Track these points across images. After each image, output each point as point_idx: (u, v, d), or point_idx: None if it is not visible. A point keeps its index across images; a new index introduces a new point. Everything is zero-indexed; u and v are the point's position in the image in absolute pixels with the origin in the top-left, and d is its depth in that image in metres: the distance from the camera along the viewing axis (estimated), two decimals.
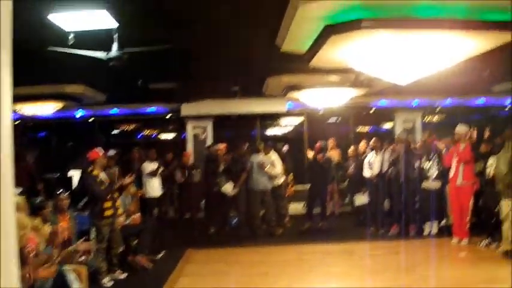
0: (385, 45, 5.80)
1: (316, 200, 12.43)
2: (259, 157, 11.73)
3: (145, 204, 11.30)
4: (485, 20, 5.60)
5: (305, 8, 5.31)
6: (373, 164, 11.87)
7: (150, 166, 11.93)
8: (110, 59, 6.70)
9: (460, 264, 9.13)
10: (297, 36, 6.40)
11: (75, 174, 12.66)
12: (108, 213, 8.20)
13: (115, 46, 6.65)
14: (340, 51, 6.22)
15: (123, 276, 8.34)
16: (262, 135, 16.64)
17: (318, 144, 12.46)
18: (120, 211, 8.80)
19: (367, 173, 12.06)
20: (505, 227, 8.80)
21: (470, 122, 11.27)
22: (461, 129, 10.30)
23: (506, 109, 16.79)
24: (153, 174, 11.77)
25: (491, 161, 9.64)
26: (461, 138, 10.23)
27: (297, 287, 7.84)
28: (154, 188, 11.86)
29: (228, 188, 11.67)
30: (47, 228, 6.80)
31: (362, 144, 13.25)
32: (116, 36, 6.61)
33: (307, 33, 6.18)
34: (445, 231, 10.73)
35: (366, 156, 12.43)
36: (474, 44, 6.06)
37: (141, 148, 13.48)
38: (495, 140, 10.04)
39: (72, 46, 6.53)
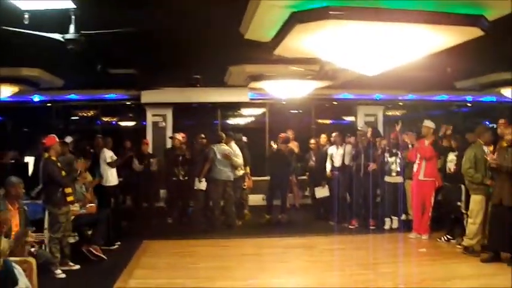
0: (353, 35, 5.62)
1: (277, 192, 12.27)
2: (222, 147, 11.46)
3: (101, 192, 11.01)
4: (455, 13, 5.48)
5: None
6: (334, 157, 11.77)
7: (109, 154, 11.61)
8: (68, 41, 6.37)
9: (421, 260, 9.03)
10: (262, 24, 6.16)
11: (30, 161, 12.24)
12: (69, 199, 7.96)
13: (72, 28, 6.33)
14: (306, 40, 6.01)
15: (76, 267, 8.01)
16: (223, 125, 16.41)
17: (283, 135, 12.30)
18: (73, 198, 8.44)
19: (328, 165, 11.93)
20: (470, 222, 8.79)
21: (431, 117, 11.22)
22: (428, 124, 10.27)
23: (469, 105, 16.93)
24: (111, 164, 11.47)
25: (452, 157, 9.63)
26: (427, 133, 10.19)
27: (255, 282, 7.61)
28: (113, 176, 11.55)
29: (202, 185, 11.37)
30: None
31: (323, 137, 13.17)
32: (73, 17, 6.29)
33: (272, 20, 5.95)
34: (405, 226, 10.68)
35: (326, 149, 12.34)
36: (443, 38, 5.93)
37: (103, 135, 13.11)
38: (456, 136, 9.98)
39: (28, 27, 6.19)
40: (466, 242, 8.86)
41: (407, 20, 5.36)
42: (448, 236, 9.86)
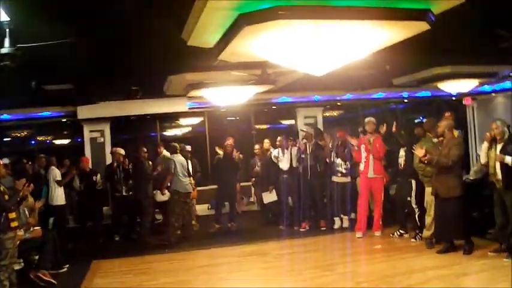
0: (301, 35, 5.54)
1: (225, 200, 12.10)
2: (180, 157, 11.19)
3: (49, 213, 10.78)
4: (402, 8, 5.48)
5: None
6: (281, 160, 11.71)
7: (58, 172, 11.23)
8: (2, 56, 6.04)
9: (378, 257, 9.07)
10: (206, 28, 6.00)
11: None
12: (14, 224, 7.50)
13: (7, 42, 6.01)
14: (253, 43, 5.90)
15: None
16: (161, 136, 16.18)
17: (230, 141, 12.15)
18: (18, 223, 8.04)
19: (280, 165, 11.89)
20: (426, 214, 9.00)
21: (369, 115, 11.31)
22: (370, 121, 10.33)
23: (405, 101, 17.22)
24: (60, 182, 11.10)
25: (401, 153, 9.70)
26: (372, 129, 10.25)
27: None
28: (61, 195, 11.15)
29: (165, 197, 11.15)
30: None
31: (266, 142, 13.12)
32: (7, 31, 5.98)
33: (217, 24, 5.80)
34: (355, 225, 10.64)
35: (270, 153, 12.27)
36: (390, 33, 5.92)
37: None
38: (402, 132, 10.10)
39: None
40: (425, 233, 9.02)
41: (355, 17, 5.33)
42: (401, 231, 9.95)
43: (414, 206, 9.46)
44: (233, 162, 12.00)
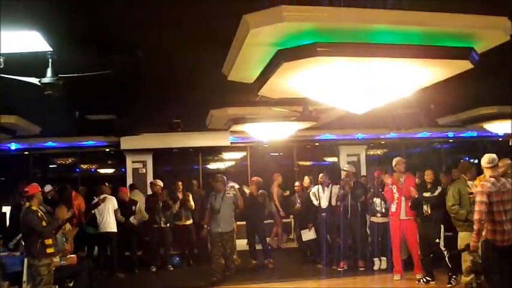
0: (340, 72, 5.48)
1: (255, 237, 12.03)
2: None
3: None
4: (444, 46, 5.38)
5: (256, 32, 4.93)
6: (321, 198, 11.56)
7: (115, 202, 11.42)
8: (45, 86, 6.14)
9: None
10: (246, 64, 6.00)
11: (7, 210, 11.89)
12: (49, 250, 7.59)
13: (49, 72, 6.12)
14: (292, 79, 5.86)
15: None
16: (204, 169, 16.22)
17: (255, 179, 12.10)
18: (53, 250, 8.08)
19: (315, 202, 11.73)
20: (462, 260, 8.53)
21: (413, 155, 11.13)
22: (399, 160, 10.12)
23: (450, 141, 16.96)
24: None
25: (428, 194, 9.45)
26: (401, 169, 10.03)
27: None
28: (113, 223, 11.28)
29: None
30: None
31: (306, 179, 13.00)
32: (50, 61, 6.09)
33: (257, 59, 5.80)
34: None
35: (310, 190, 12.13)
36: (432, 72, 5.82)
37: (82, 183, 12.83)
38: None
39: (3, 71, 5.97)
40: (463, 279, 8.64)
41: (396, 55, 5.25)
42: (428, 278, 9.60)
43: (443, 248, 9.19)
44: (256, 199, 11.80)
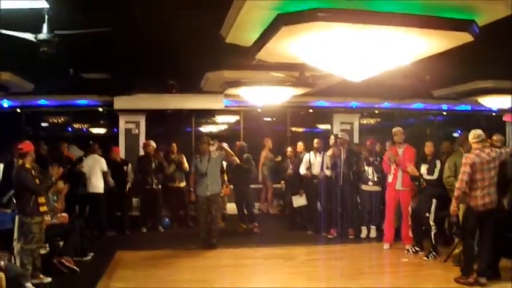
0: (340, 39, 5.45)
1: (243, 202, 12.02)
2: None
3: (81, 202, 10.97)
4: (445, 18, 5.35)
5: None
6: (313, 164, 11.56)
7: (104, 162, 11.31)
8: (40, 42, 6.06)
9: (407, 270, 8.88)
10: (245, 26, 5.96)
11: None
12: (43, 209, 7.57)
13: (45, 28, 6.04)
14: (291, 44, 5.83)
15: (48, 280, 7.59)
16: (196, 132, 16.16)
17: (238, 143, 12.07)
18: (46, 209, 8.07)
19: (303, 171, 11.74)
20: (453, 231, 8.63)
21: (406, 126, 11.13)
22: (398, 131, 10.12)
23: (444, 114, 16.99)
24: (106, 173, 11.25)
25: (423, 170, 9.45)
26: (400, 140, 10.05)
27: None
28: (100, 184, 11.18)
29: None
30: None
31: (300, 145, 12.99)
32: (46, 17, 6.00)
33: (256, 22, 5.76)
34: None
35: (303, 156, 12.11)
36: (431, 43, 5.80)
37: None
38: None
39: None
40: (455, 251, 8.67)
41: (396, 23, 5.23)
42: (417, 248, 9.69)
43: (432, 223, 9.21)
44: (240, 164, 11.48)
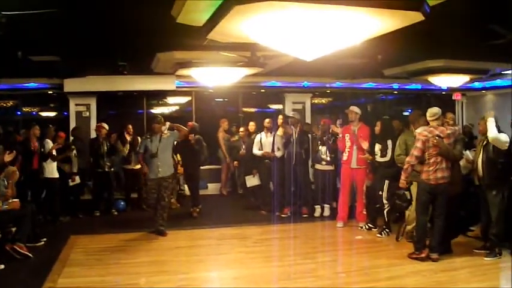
0: (292, 18, 5.42)
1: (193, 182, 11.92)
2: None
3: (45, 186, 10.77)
4: None
5: None
6: (264, 145, 11.59)
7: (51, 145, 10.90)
8: None
9: (359, 248, 9.01)
10: (196, 6, 5.90)
11: None
12: None
13: None
14: (243, 23, 5.77)
15: (1, 267, 7.48)
16: (148, 114, 16.02)
17: (190, 124, 11.85)
18: None
19: (256, 151, 11.75)
20: (410, 210, 8.70)
21: (358, 105, 11.23)
22: (355, 109, 10.24)
23: (395, 93, 17.20)
24: (54, 158, 10.83)
25: (377, 148, 9.59)
26: (355, 119, 10.16)
27: (192, 276, 7.33)
28: (54, 169, 10.86)
29: None
30: None
31: (251, 125, 13.04)
32: None
33: (207, 2, 5.70)
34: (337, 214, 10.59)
35: (255, 136, 12.14)
36: (382, 22, 5.81)
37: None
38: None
39: None
40: (407, 228, 8.87)
41: (347, 3, 5.20)
42: (370, 225, 9.89)
43: (384, 201, 9.36)
44: (192, 145, 11.44)
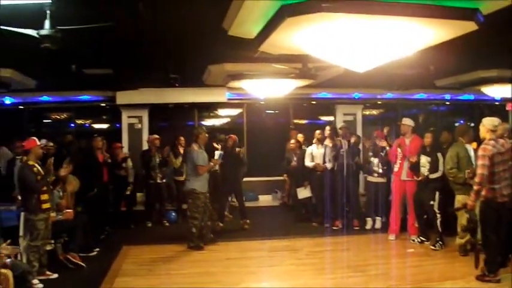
0: (344, 30, 5.40)
1: (230, 195, 12.10)
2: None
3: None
4: (450, 6, 5.30)
5: None
6: (315, 156, 11.54)
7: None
8: (43, 38, 6.01)
9: (412, 261, 8.90)
10: (248, 18, 5.92)
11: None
12: (45, 206, 7.57)
13: (47, 24, 5.98)
14: (295, 35, 5.78)
15: (54, 276, 7.63)
16: (199, 126, 16.11)
17: (232, 136, 11.87)
18: (50, 205, 8.02)
19: (308, 163, 11.69)
20: (458, 222, 8.48)
21: (409, 116, 11.10)
22: (408, 122, 10.11)
23: (447, 104, 16.94)
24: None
25: (423, 160, 9.46)
26: (407, 131, 10.03)
27: (242, 286, 7.37)
28: None
29: None
30: None
31: (300, 136, 13.01)
32: (48, 13, 5.95)
33: (259, 14, 5.71)
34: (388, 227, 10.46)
35: (306, 150, 12.10)
36: (436, 32, 5.74)
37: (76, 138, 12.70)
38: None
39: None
40: (457, 241, 8.66)
41: (400, 13, 5.16)
42: (422, 238, 9.69)
43: (437, 211, 9.20)
44: (235, 157, 11.52)
